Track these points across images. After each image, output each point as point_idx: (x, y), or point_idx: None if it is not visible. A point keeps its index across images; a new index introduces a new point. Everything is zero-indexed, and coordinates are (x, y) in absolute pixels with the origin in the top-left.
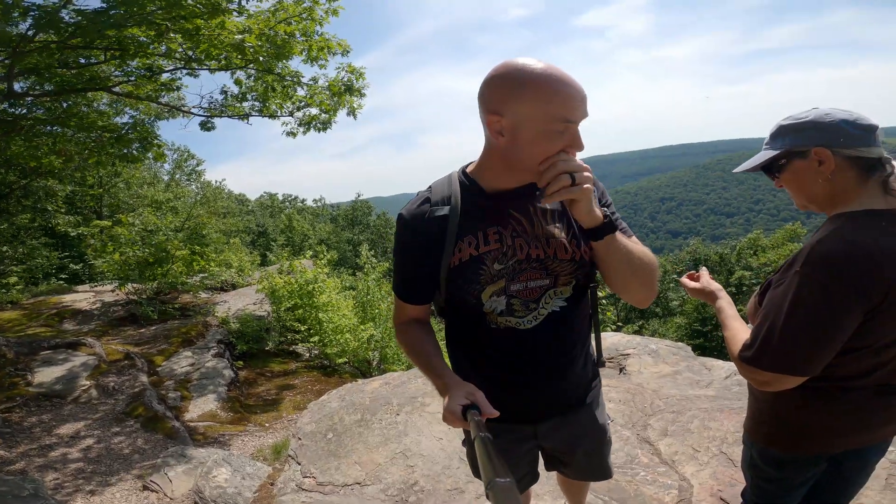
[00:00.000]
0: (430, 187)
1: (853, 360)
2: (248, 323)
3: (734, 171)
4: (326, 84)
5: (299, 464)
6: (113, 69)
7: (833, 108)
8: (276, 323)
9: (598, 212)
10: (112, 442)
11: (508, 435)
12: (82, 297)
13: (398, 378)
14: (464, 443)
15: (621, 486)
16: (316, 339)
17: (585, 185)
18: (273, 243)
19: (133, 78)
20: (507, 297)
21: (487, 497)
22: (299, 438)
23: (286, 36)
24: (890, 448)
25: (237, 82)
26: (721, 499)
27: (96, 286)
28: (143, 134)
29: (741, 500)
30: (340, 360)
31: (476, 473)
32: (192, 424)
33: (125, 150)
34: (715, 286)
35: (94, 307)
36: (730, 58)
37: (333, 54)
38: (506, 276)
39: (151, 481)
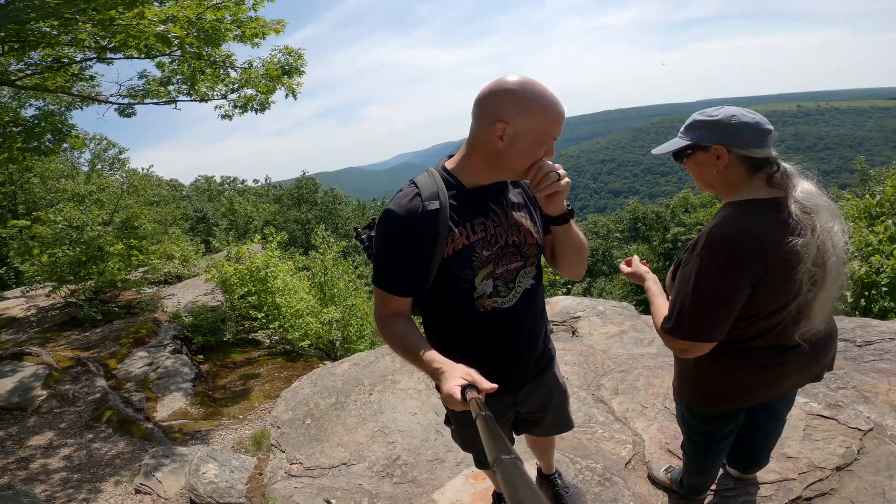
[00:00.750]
0: (414, 183)
1: (747, 325)
2: (203, 315)
3: (652, 151)
4: (262, 67)
5: (283, 452)
6: (14, 61)
7: (741, 111)
8: (232, 312)
9: (565, 203)
10: (90, 449)
11: (494, 406)
12: (14, 304)
13: (366, 358)
14: (447, 422)
15: (583, 444)
16: (276, 325)
17: (566, 180)
18: (215, 228)
19: (38, 70)
20: (493, 279)
21: (495, 474)
22: (279, 427)
23: (216, 22)
24: (805, 400)
25: (159, 65)
26: (668, 450)
27: (28, 291)
28: (55, 125)
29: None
30: (304, 344)
31: (466, 448)
32: (164, 424)
33: (36, 143)
34: (643, 269)
35: (30, 314)
36: (662, 26)
37: (267, 35)
38: (493, 261)
39: (143, 484)
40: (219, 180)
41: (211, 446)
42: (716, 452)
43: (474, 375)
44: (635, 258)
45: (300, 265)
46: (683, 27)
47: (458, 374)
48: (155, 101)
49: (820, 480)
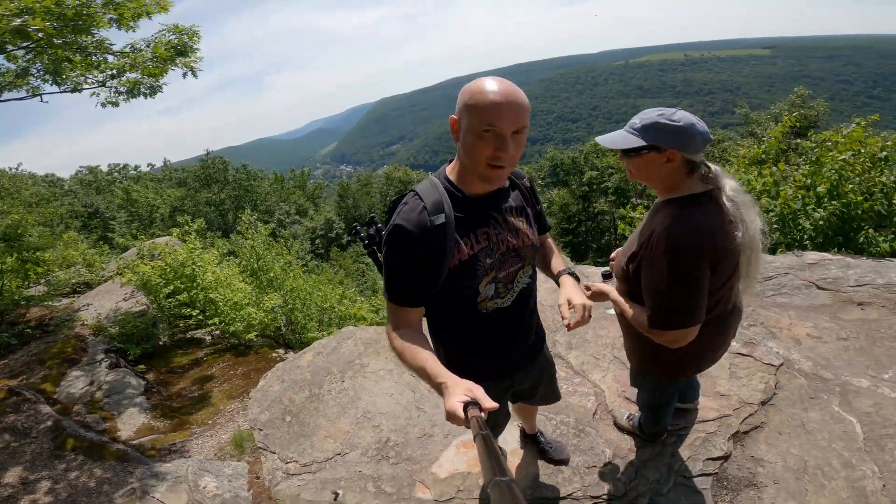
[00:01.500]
0: (416, 193)
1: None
2: (130, 323)
3: (598, 140)
4: (150, 49)
5: (274, 453)
6: None
7: (696, 120)
8: (162, 314)
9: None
10: (69, 479)
11: (492, 391)
12: None
13: (328, 345)
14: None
15: None
16: (215, 320)
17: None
18: (113, 223)
19: None
20: (495, 283)
21: (489, 495)
22: (260, 429)
23: (82, 7)
24: (732, 343)
25: (10, 58)
26: (626, 398)
27: None
28: None
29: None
30: (250, 336)
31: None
32: (135, 443)
33: None
34: (605, 288)
35: None
36: None
37: (152, 14)
38: (495, 267)
39: None
40: (106, 169)
41: (194, 458)
42: (671, 406)
43: (476, 392)
44: (592, 284)
45: (224, 250)
46: None
47: (460, 391)
48: (16, 95)
49: (751, 415)
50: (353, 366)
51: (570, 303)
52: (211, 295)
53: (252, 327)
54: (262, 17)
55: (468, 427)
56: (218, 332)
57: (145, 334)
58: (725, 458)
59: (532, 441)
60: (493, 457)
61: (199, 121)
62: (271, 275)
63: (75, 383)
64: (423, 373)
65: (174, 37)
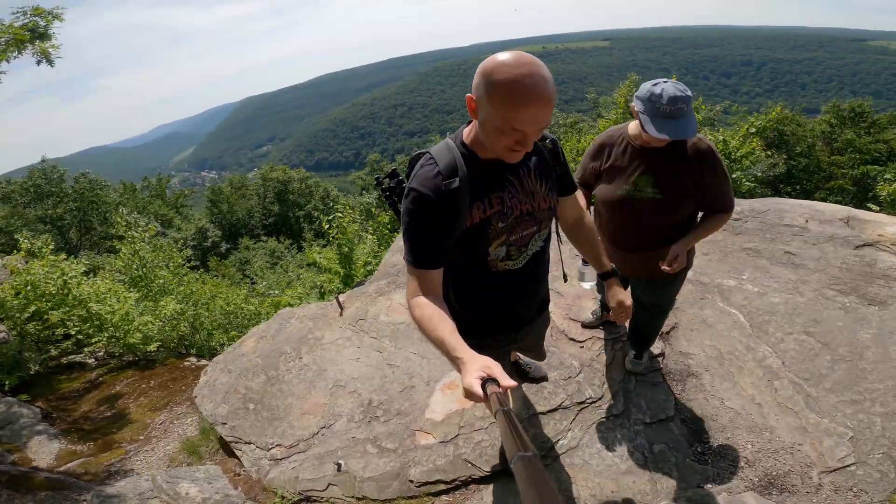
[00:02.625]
0: (431, 157)
1: None
2: None
3: (675, 137)
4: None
5: (249, 443)
6: None
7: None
8: (28, 340)
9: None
10: None
11: (495, 348)
12: None
13: (269, 328)
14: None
15: None
16: (102, 336)
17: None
18: None
19: None
20: (507, 246)
21: (513, 471)
22: (224, 423)
23: None
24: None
25: None
26: (570, 318)
27: None
28: None
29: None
30: (151, 348)
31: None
32: (62, 469)
33: None
34: (682, 246)
35: None
36: None
37: None
38: (507, 231)
39: None
40: None
41: (145, 474)
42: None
43: (494, 370)
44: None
45: (81, 269)
46: None
47: (477, 367)
48: None
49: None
50: (307, 341)
51: (621, 304)
52: (94, 308)
53: (150, 339)
54: (89, 13)
55: (487, 404)
56: (102, 352)
57: (14, 362)
58: (662, 355)
59: (514, 366)
60: (515, 432)
61: (12, 132)
62: (161, 281)
63: None
64: (441, 345)
65: (35, 18)
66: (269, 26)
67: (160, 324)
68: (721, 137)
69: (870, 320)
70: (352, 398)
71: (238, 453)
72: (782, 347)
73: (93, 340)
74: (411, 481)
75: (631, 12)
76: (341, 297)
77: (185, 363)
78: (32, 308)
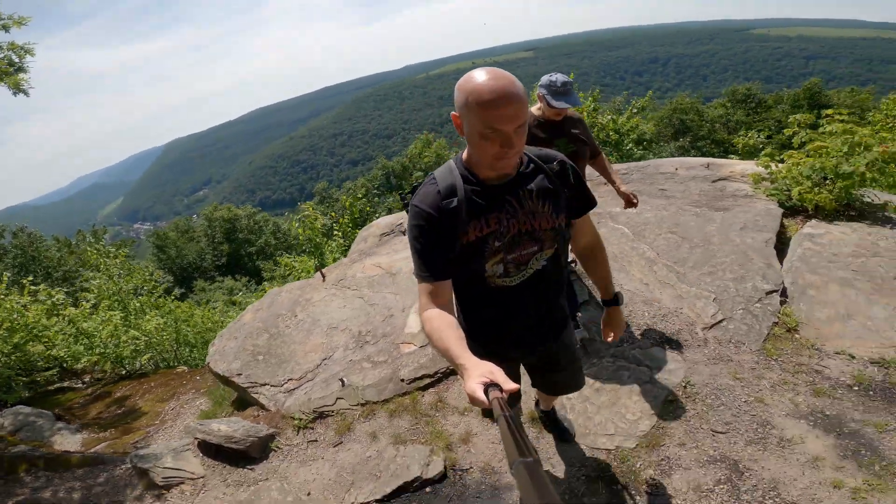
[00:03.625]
0: (433, 177)
1: None
2: None
3: (562, 105)
4: None
5: (265, 384)
6: None
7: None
8: (9, 371)
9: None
10: (65, 497)
11: (505, 359)
12: None
13: (262, 303)
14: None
15: None
16: (92, 354)
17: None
18: None
19: None
20: (504, 264)
21: (513, 476)
22: (239, 374)
23: None
24: None
25: None
26: None
27: None
28: None
29: None
30: (143, 359)
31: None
32: (94, 450)
33: None
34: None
35: None
36: None
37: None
38: (503, 249)
39: (166, 481)
40: None
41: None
42: None
43: (496, 375)
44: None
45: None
46: None
47: (479, 373)
48: None
49: None
50: (299, 303)
51: (620, 327)
52: (83, 325)
53: (140, 352)
54: None
55: (489, 408)
56: (89, 377)
57: (7, 384)
58: (574, 262)
59: (547, 416)
60: (516, 438)
61: None
62: (137, 304)
63: None
64: (446, 353)
65: (9, 53)
66: (188, 62)
67: (145, 338)
68: (609, 117)
69: (714, 220)
70: (344, 334)
71: (255, 396)
72: (656, 244)
73: (82, 360)
74: (402, 380)
75: (550, 22)
76: (323, 270)
77: (178, 370)
78: (15, 339)
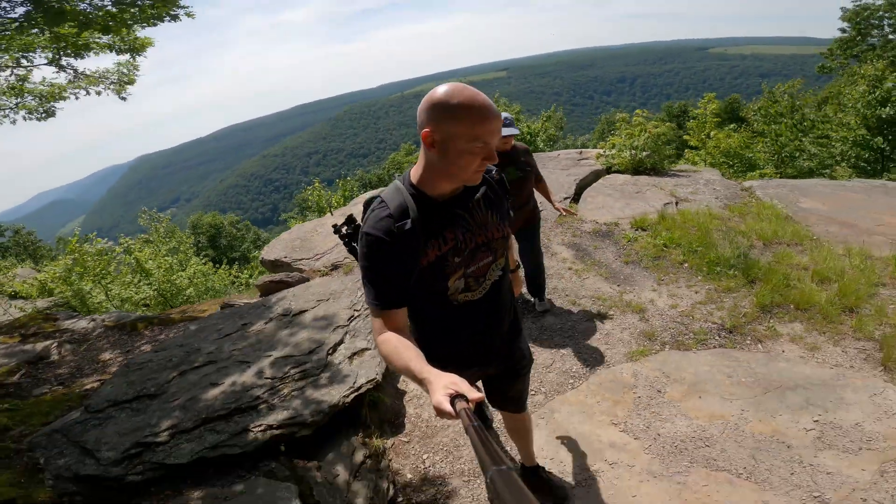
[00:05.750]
0: (382, 200)
1: None
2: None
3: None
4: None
5: (300, 259)
6: None
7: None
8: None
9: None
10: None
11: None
12: None
13: (294, 229)
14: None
15: None
16: (152, 284)
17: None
18: None
19: None
20: (464, 278)
21: (487, 487)
22: (284, 257)
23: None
24: None
25: None
26: None
27: None
28: None
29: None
30: (190, 291)
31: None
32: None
33: None
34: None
35: None
36: (341, 17)
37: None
38: (463, 264)
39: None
40: None
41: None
42: None
43: (460, 385)
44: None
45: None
46: (360, 17)
47: (443, 384)
48: None
49: None
50: (318, 225)
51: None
52: (147, 265)
53: (189, 286)
54: None
55: (457, 419)
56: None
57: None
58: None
59: (533, 475)
60: (487, 447)
61: None
62: (180, 257)
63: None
64: (407, 371)
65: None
66: (158, 79)
67: (188, 280)
68: (525, 123)
69: (572, 172)
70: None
71: (297, 266)
72: None
73: (142, 291)
74: None
75: (523, 42)
76: (331, 209)
77: (224, 298)
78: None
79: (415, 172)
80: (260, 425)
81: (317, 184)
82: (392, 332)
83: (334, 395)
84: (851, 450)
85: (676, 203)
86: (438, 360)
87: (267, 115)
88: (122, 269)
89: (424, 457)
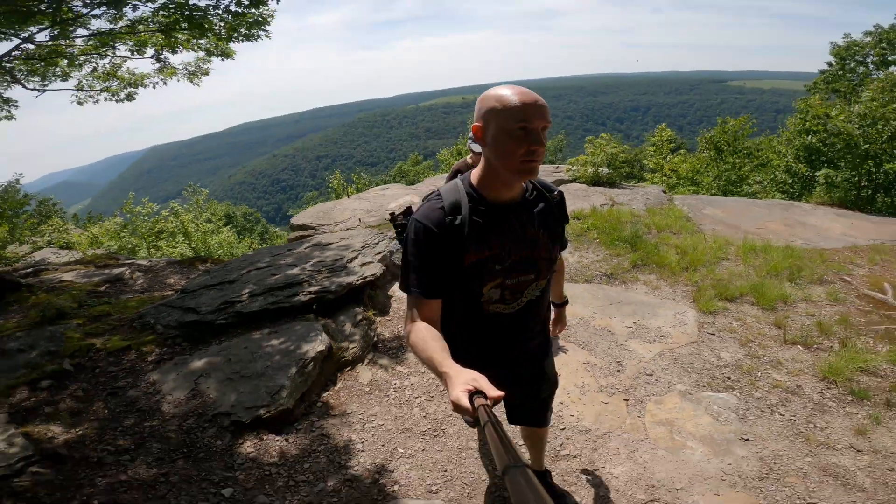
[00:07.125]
0: (438, 193)
1: None
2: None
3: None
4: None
5: (322, 224)
6: None
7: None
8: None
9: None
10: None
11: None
12: None
13: (318, 206)
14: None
15: None
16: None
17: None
18: None
19: None
20: (501, 289)
21: (505, 484)
22: (310, 222)
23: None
24: None
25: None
26: None
27: None
28: None
29: None
30: (220, 252)
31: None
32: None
33: None
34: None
35: None
36: (366, 25)
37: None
38: (503, 274)
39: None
40: None
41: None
42: None
43: (481, 382)
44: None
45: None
46: (383, 26)
47: (463, 380)
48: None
49: None
50: (338, 203)
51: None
52: (189, 229)
53: (221, 247)
54: None
55: (475, 416)
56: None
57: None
58: None
59: (541, 480)
60: (504, 444)
61: None
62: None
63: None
64: (430, 362)
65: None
66: (180, 73)
67: (219, 244)
68: None
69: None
70: (359, 210)
71: (320, 229)
72: None
73: (181, 247)
74: (390, 213)
75: (542, 63)
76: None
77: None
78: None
79: (475, 174)
80: (304, 291)
81: (337, 174)
82: (424, 322)
83: (349, 279)
84: (648, 339)
85: (612, 205)
86: (457, 357)
87: (282, 115)
88: (165, 231)
89: (398, 327)
